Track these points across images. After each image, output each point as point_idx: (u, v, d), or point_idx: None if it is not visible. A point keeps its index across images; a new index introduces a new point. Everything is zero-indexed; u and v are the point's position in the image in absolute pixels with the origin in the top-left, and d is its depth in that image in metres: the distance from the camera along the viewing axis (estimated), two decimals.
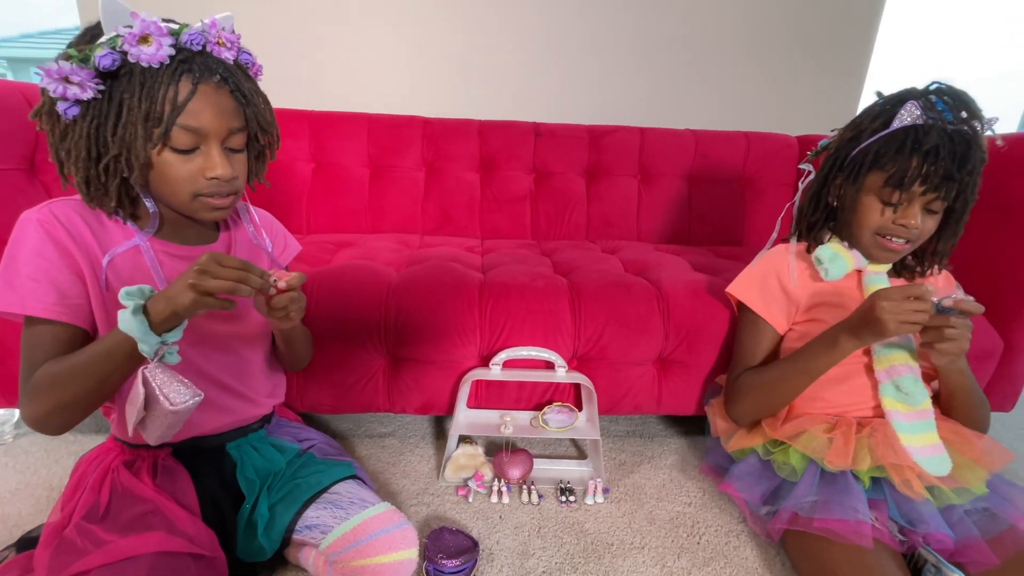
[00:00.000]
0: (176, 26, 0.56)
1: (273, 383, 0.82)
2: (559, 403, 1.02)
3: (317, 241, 1.34)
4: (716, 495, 0.99)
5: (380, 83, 1.74)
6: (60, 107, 0.54)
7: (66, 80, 0.53)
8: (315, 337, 0.90)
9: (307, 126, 1.50)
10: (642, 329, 1.00)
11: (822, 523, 0.72)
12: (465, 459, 0.99)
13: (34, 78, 0.55)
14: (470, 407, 1.06)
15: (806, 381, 0.82)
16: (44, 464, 0.99)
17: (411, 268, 1.07)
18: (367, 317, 0.96)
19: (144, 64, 0.54)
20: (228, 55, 0.59)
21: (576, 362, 1.04)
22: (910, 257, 0.86)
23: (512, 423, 1.01)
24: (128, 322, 0.52)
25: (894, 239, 0.78)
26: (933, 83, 0.76)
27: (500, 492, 0.95)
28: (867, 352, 0.82)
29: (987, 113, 0.74)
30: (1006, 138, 0.83)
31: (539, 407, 1.03)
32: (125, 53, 0.54)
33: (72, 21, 1.63)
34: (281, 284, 0.59)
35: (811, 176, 0.88)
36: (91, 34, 0.56)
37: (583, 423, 1.02)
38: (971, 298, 0.69)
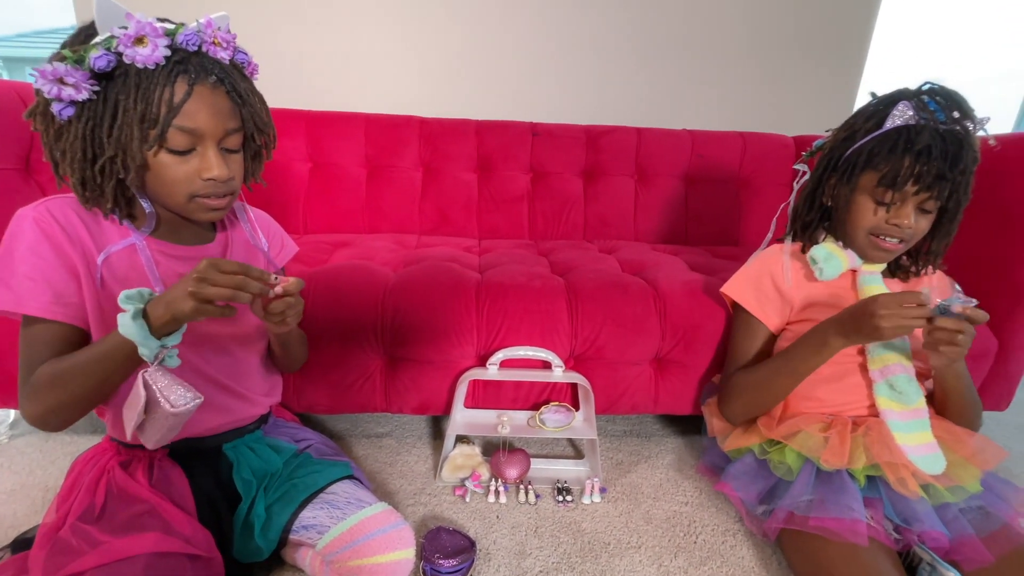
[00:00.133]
0: (171, 26, 0.56)
1: (270, 383, 0.82)
2: (556, 403, 1.02)
3: (314, 241, 1.34)
4: (712, 494, 0.99)
5: (377, 83, 1.73)
6: (55, 108, 0.54)
7: (61, 81, 0.53)
8: (312, 337, 0.90)
9: (304, 126, 1.50)
10: (639, 329, 1.01)
11: (818, 522, 0.72)
12: (462, 459, 0.99)
13: (30, 77, 0.55)
14: (467, 407, 1.06)
15: (795, 380, 0.83)
16: (40, 465, 0.98)
17: (408, 268, 1.08)
18: (364, 317, 0.96)
19: (139, 65, 0.54)
20: (224, 55, 0.59)
21: (573, 362, 1.04)
22: (904, 257, 0.86)
23: (509, 423, 1.01)
24: (128, 326, 0.52)
25: (888, 239, 0.79)
26: (925, 83, 0.76)
27: (497, 492, 0.95)
28: (861, 352, 0.83)
29: (982, 113, 0.74)
30: (999, 138, 0.84)
31: (536, 407, 1.03)
32: (120, 54, 0.54)
33: (68, 20, 1.62)
34: (278, 290, 0.59)
35: (806, 176, 0.88)
36: (85, 34, 0.56)
37: (580, 423, 1.02)
38: (974, 301, 0.69)
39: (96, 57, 0.53)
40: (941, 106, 0.73)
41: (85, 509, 0.62)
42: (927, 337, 0.71)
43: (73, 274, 0.60)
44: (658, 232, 1.63)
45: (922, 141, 0.72)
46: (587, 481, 0.98)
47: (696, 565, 0.82)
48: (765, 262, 0.91)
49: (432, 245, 1.39)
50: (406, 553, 0.67)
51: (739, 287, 0.92)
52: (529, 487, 0.97)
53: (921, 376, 0.81)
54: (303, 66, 1.69)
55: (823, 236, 0.87)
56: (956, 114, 0.72)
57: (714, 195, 1.63)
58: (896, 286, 0.87)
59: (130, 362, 0.55)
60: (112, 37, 0.54)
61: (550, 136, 1.59)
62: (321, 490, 0.72)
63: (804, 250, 0.88)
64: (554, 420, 1.00)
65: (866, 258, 0.83)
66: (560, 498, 0.95)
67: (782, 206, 0.93)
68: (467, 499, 0.94)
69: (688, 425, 1.23)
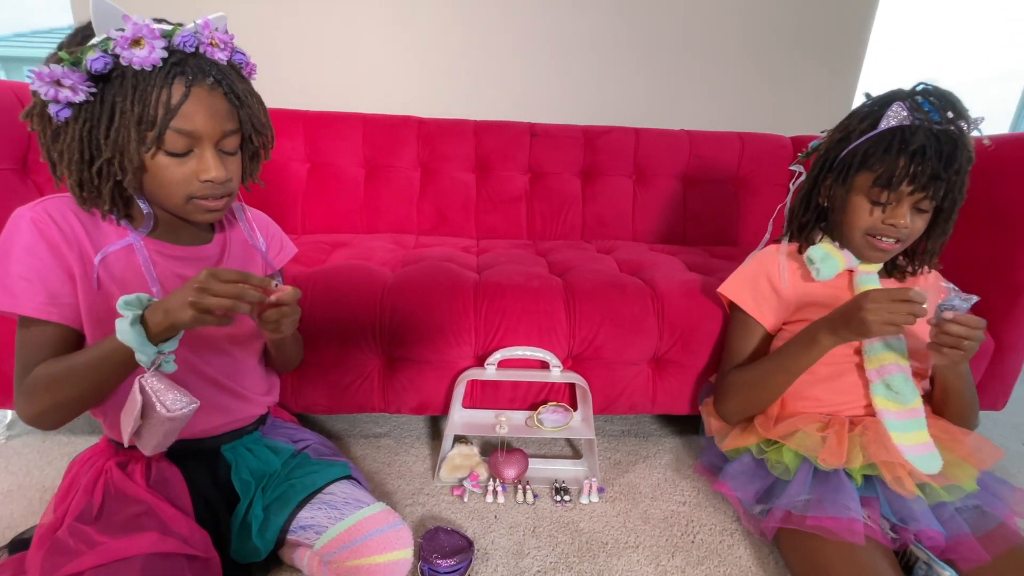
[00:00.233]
0: (168, 27, 0.56)
1: (269, 382, 0.82)
2: (554, 403, 1.02)
3: (312, 241, 1.34)
4: (710, 494, 0.99)
5: (375, 83, 1.73)
6: (51, 109, 0.54)
7: (57, 83, 0.53)
8: (310, 337, 0.90)
9: (302, 126, 1.50)
10: (637, 329, 1.01)
11: (815, 521, 0.72)
12: (460, 459, 0.99)
13: (27, 77, 0.55)
14: (465, 407, 1.06)
15: (789, 379, 0.83)
16: (37, 465, 0.98)
17: (406, 268, 1.08)
18: (362, 317, 0.96)
19: (136, 67, 0.54)
20: (221, 56, 0.59)
21: (571, 362, 1.04)
22: (901, 257, 0.87)
23: (507, 423, 1.01)
24: (126, 332, 0.52)
25: (884, 239, 0.79)
26: (920, 84, 0.77)
27: (495, 492, 0.95)
28: (858, 351, 0.83)
29: (978, 113, 0.75)
30: (993, 139, 0.84)
31: (534, 407, 1.03)
32: (117, 56, 0.54)
33: (66, 20, 1.62)
34: (272, 299, 0.59)
35: (802, 177, 0.89)
36: (82, 35, 0.56)
37: (578, 423, 1.02)
38: (975, 298, 0.69)
39: (93, 59, 0.53)
40: (935, 106, 0.73)
41: (83, 509, 0.62)
42: (933, 339, 0.71)
43: (68, 276, 0.60)
44: (656, 232, 1.63)
45: (917, 141, 0.72)
46: (585, 481, 0.98)
47: (694, 564, 0.82)
48: (762, 262, 0.91)
49: (430, 245, 1.39)
50: (404, 553, 0.67)
51: (736, 287, 0.93)
52: (527, 487, 0.97)
53: (917, 376, 0.82)
54: (301, 66, 1.69)
55: (820, 236, 0.87)
56: (950, 114, 0.73)
57: (712, 195, 1.63)
58: (892, 286, 0.88)
59: (127, 367, 0.55)
60: (109, 39, 0.54)
61: (548, 136, 1.59)
62: (319, 490, 0.73)
63: (801, 250, 0.88)
64: (552, 420, 1.00)
65: (862, 258, 0.83)
66: (558, 498, 0.95)
67: (779, 207, 0.94)
68: (465, 499, 0.95)
69: (686, 425, 1.23)
